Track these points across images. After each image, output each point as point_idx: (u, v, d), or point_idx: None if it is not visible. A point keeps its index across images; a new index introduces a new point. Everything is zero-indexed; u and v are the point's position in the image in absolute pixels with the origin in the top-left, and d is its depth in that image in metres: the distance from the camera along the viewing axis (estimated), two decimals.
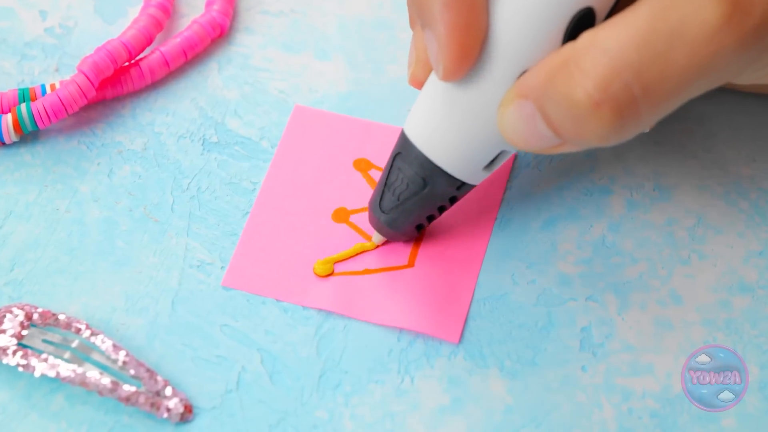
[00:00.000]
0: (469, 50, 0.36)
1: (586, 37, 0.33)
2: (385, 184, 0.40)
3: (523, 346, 0.40)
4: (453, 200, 0.40)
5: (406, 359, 0.40)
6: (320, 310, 0.41)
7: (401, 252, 0.42)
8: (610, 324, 0.40)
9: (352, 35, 0.48)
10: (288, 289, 0.41)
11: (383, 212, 0.41)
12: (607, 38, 0.33)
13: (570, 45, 0.33)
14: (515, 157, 0.44)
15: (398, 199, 0.40)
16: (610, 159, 0.44)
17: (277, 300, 0.41)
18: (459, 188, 0.40)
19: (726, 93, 0.45)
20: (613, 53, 0.32)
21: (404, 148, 0.39)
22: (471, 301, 0.41)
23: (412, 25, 0.40)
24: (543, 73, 0.34)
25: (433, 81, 0.38)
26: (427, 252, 0.42)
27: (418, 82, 0.39)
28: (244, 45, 0.48)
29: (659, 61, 0.32)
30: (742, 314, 0.40)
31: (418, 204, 0.40)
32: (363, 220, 0.43)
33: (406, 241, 0.42)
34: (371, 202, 0.41)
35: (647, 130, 0.37)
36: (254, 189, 0.44)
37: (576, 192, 0.43)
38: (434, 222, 0.42)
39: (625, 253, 0.42)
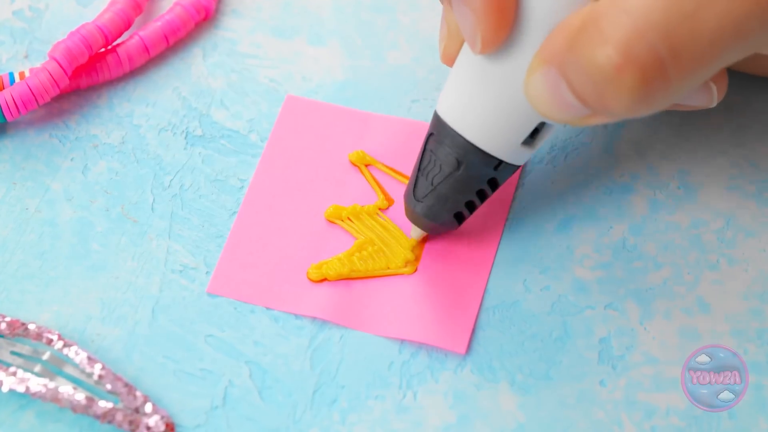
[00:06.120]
0: (506, 18, 0.36)
1: None
2: (419, 169, 0.40)
3: (536, 358, 0.40)
4: (494, 184, 0.40)
5: (408, 373, 0.40)
6: (314, 318, 0.41)
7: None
8: (631, 334, 0.40)
9: (348, 18, 0.48)
10: (279, 295, 0.41)
11: (418, 200, 0.40)
12: None
13: (591, 5, 0.34)
14: None
15: (432, 184, 0.40)
16: (631, 155, 0.44)
17: (267, 308, 0.41)
18: (497, 168, 0.39)
19: (757, 83, 0.45)
20: (636, 13, 0.32)
21: (437, 128, 0.39)
22: (479, 310, 0.41)
23: (442, 0, 0.40)
24: (563, 37, 0.34)
25: (464, 55, 0.38)
26: (431, 255, 0.42)
27: (451, 59, 0.40)
28: (231, 29, 0.48)
29: (688, 21, 0.32)
30: None
31: (452, 187, 0.40)
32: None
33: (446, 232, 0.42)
34: (406, 192, 0.41)
35: (714, 104, 0.37)
36: (242, 187, 0.44)
37: (594, 190, 0.43)
38: None
39: (647, 258, 0.42)
